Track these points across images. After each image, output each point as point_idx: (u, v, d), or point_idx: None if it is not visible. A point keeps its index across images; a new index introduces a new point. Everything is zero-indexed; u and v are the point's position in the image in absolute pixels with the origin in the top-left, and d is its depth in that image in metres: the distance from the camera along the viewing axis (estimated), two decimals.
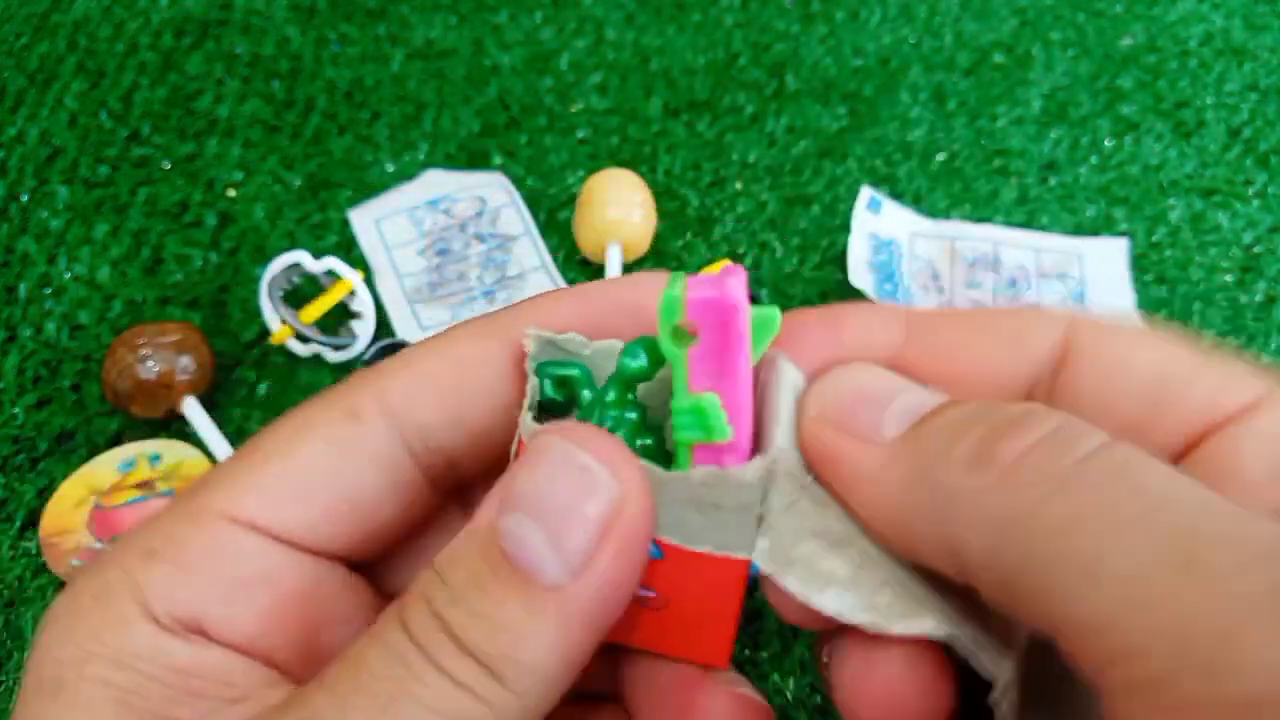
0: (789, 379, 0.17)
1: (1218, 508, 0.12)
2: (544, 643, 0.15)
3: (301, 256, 0.45)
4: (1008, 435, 0.14)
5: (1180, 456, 0.16)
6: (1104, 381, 0.16)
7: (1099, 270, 0.49)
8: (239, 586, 0.17)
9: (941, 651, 0.16)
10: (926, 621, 0.15)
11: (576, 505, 0.15)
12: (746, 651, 0.37)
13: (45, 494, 0.41)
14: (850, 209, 0.50)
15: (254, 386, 0.45)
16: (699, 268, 0.48)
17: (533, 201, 0.52)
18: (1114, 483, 0.13)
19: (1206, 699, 0.11)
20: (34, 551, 0.40)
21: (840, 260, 0.49)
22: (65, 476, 0.42)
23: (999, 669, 0.15)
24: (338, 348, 0.46)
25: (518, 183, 0.53)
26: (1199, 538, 0.12)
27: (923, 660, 0.16)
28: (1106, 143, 0.56)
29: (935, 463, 0.14)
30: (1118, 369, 0.16)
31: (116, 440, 0.43)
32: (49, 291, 0.49)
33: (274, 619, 0.17)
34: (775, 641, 0.37)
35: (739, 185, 0.53)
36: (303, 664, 0.17)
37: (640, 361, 0.17)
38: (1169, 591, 0.12)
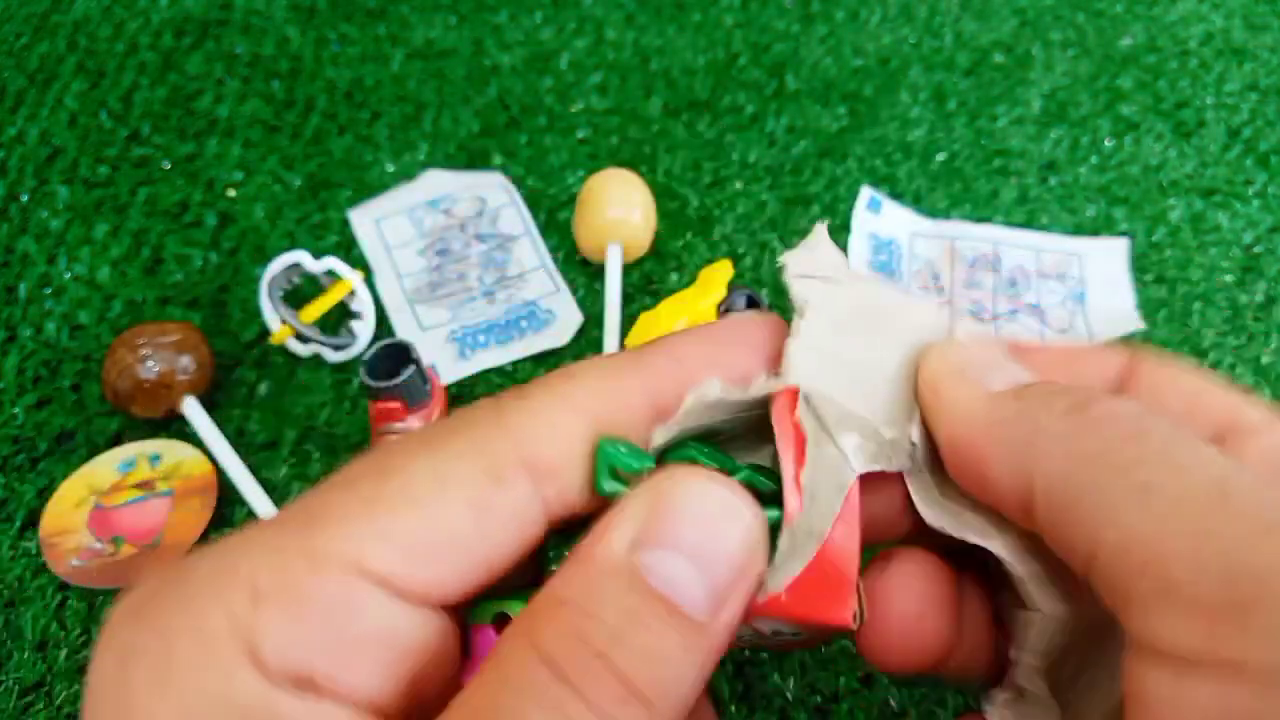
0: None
1: (1241, 468, 0.16)
2: (693, 674, 0.15)
3: (301, 256, 0.45)
4: (1099, 400, 0.17)
5: None
6: (1154, 395, 0.19)
7: (1099, 270, 0.49)
8: (358, 644, 0.16)
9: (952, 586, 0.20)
10: (995, 541, 0.18)
11: (721, 541, 0.16)
12: (746, 653, 0.37)
13: (45, 494, 0.41)
14: (850, 209, 0.50)
15: (254, 386, 0.45)
16: (699, 268, 0.48)
17: (533, 201, 0.52)
18: (1175, 442, 0.16)
19: (1216, 600, 0.14)
20: (34, 551, 0.40)
21: None
22: (65, 476, 0.42)
23: (1047, 602, 0.18)
24: (338, 348, 0.46)
25: (518, 183, 0.53)
26: (1229, 481, 0.15)
27: (938, 579, 0.20)
28: (1106, 143, 0.56)
29: (1036, 409, 0.17)
30: (1166, 386, 0.19)
31: (116, 440, 0.43)
32: (49, 291, 0.49)
33: (389, 676, 0.16)
34: None
35: (739, 185, 0.53)
36: (404, 711, 0.16)
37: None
38: (1203, 514, 0.15)
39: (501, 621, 0.17)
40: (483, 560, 0.17)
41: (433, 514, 0.16)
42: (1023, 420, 0.17)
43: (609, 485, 0.17)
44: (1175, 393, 0.19)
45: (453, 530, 0.16)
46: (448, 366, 0.45)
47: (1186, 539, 0.14)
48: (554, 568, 0.16)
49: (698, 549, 0.15)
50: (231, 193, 0.53)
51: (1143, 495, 0.15)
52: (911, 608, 0.19)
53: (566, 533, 0.18)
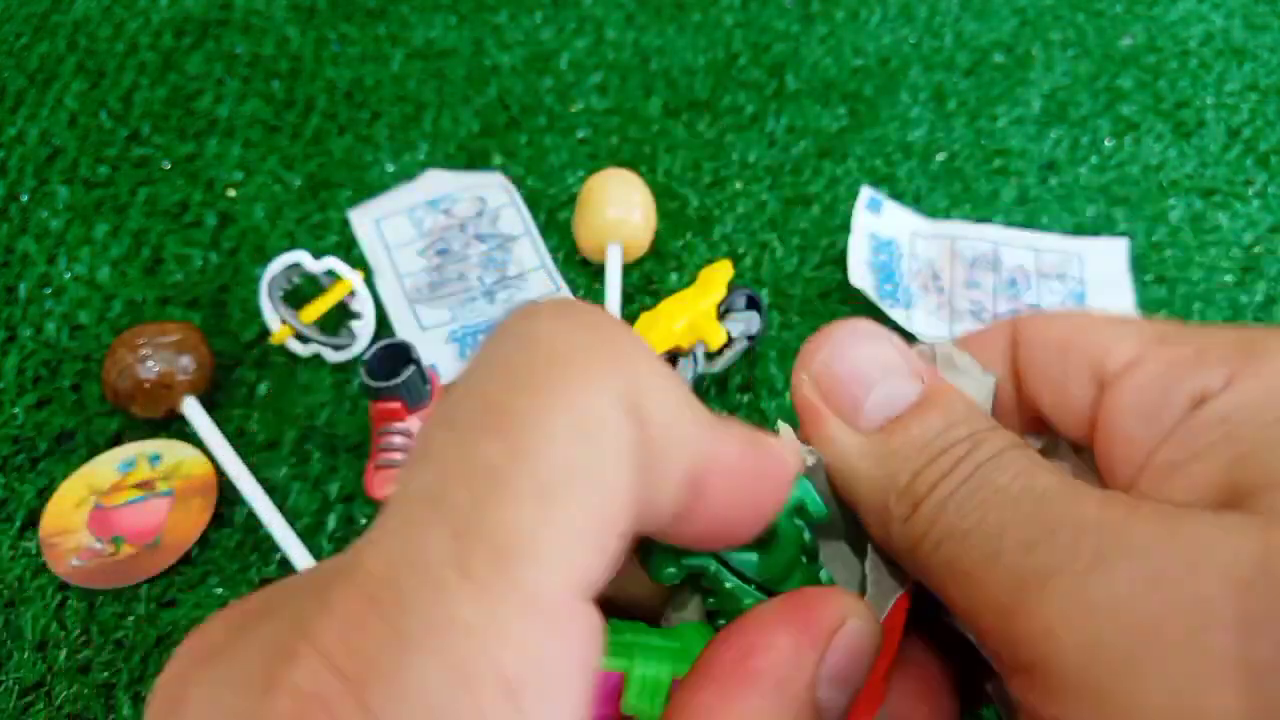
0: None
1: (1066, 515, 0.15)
2: None
3: (301, 256, 0.45)
4: (930, 468, 0.16)
5: (1094, 414, 0.18)
6: (1031, 360, 0.19)
7: (1099, 270, 0.49)
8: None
9: None
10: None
11: (862, 674, 0.16)
12: None
13: (45, 494, 0.41)
14: (850, 209, 0.50)
15: (254, 386, 0.45)
16: (699, 267, 0.48)
17: (533, 201, 0.52)
18: (975, 492, 0.16)
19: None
20: (34, 551, 0.40)
21: (840, 260, 0.49)
22: (65, 476, 0.42)
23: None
24: (338, 348, 0.46)
25: (518, 183, 0.53)
26: (1039, 568, 0.14)
27: None
28: (1106, 143, 0.56)
29: (887, 483, 0.17)
30: (1039, 346, 0.19)
31: (116, 440, 0.43)
32: (49, 291, 0.49)
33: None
34: None
35: (739, 185, 0.53)
36: None
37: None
38: (1027, 599, 0.14)
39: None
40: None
41: (590, 475, 0.12)
42: (883, 491, 0.17)
43: (786, 523, 0.17)
44: (1051, 342, 0.19)
45: (619, 490, 0.13)
46: (448, 366, 0.45)
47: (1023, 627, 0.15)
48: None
49: (850, 682, 0.16)
50: (231, 193, 0.53)
51: (970, 589, 0.15)
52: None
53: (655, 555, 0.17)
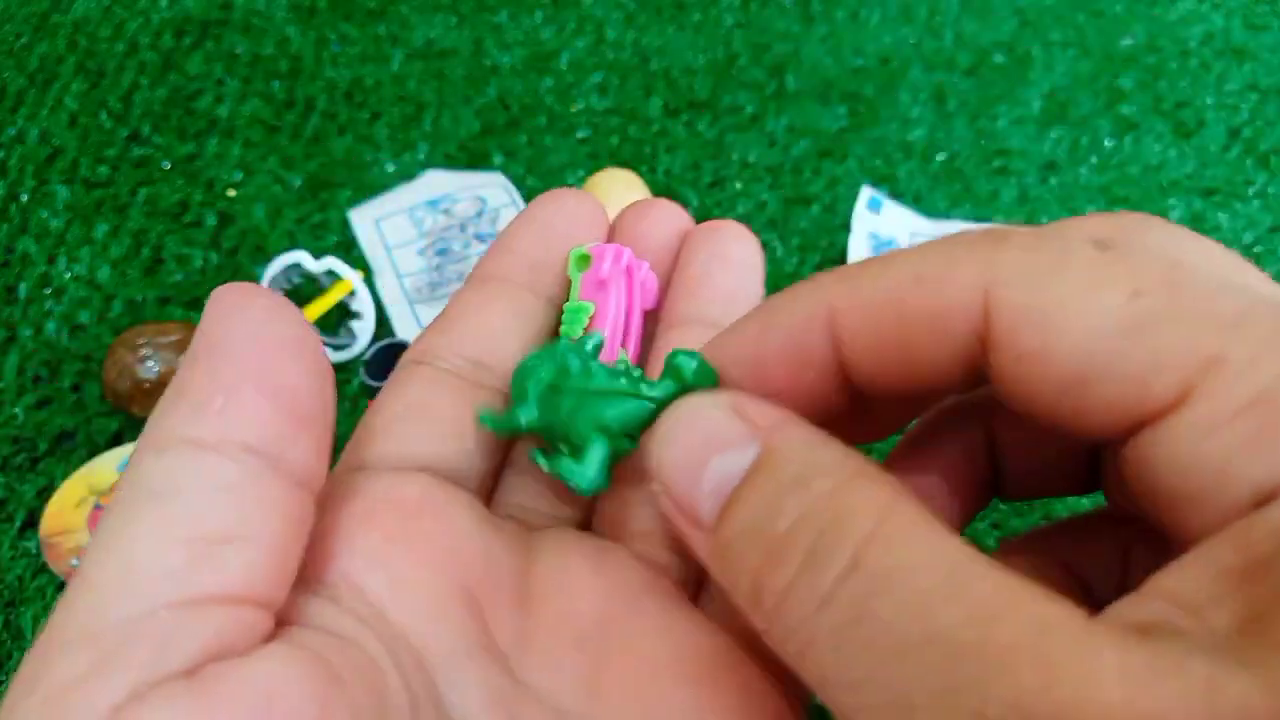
0: None
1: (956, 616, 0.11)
2: None
3: (301, 256, 0.45)
4: (769, 571, 0.13)
5: (1120, 450, 0.14)
6: (1026, 377, 0.14)
7: None
8: None
9: None
10: None
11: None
12: None
13: (45, 494, 0.41)
14: (850, 209, 0.50)
15: None
16: None
17: None
18: (852, 627, 0.12)
19: None
20: (34, 551, 0.40)
21: (840, 260, 0.49)
22: (65, 476, 0.42)
23: None
24: (338, 348, 0.46)
25: (518, 183, 0.53)
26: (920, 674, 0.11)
27: None
28: (1106, 143, 0.56)
29: (730, 584, 0.14)
30: (1038, 359, 0.14)
31: (116, 440, 0.43)
32: (49, 291, 0.49)
33: None
34: None
35: (739, 185, 0.53)
36: None
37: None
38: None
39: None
40: None
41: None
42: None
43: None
44: (1051, 367, 0.14)
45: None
46: None
47: None
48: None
49: None
50: (231, 193, 0.53)
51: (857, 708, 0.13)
52: None
53: None
